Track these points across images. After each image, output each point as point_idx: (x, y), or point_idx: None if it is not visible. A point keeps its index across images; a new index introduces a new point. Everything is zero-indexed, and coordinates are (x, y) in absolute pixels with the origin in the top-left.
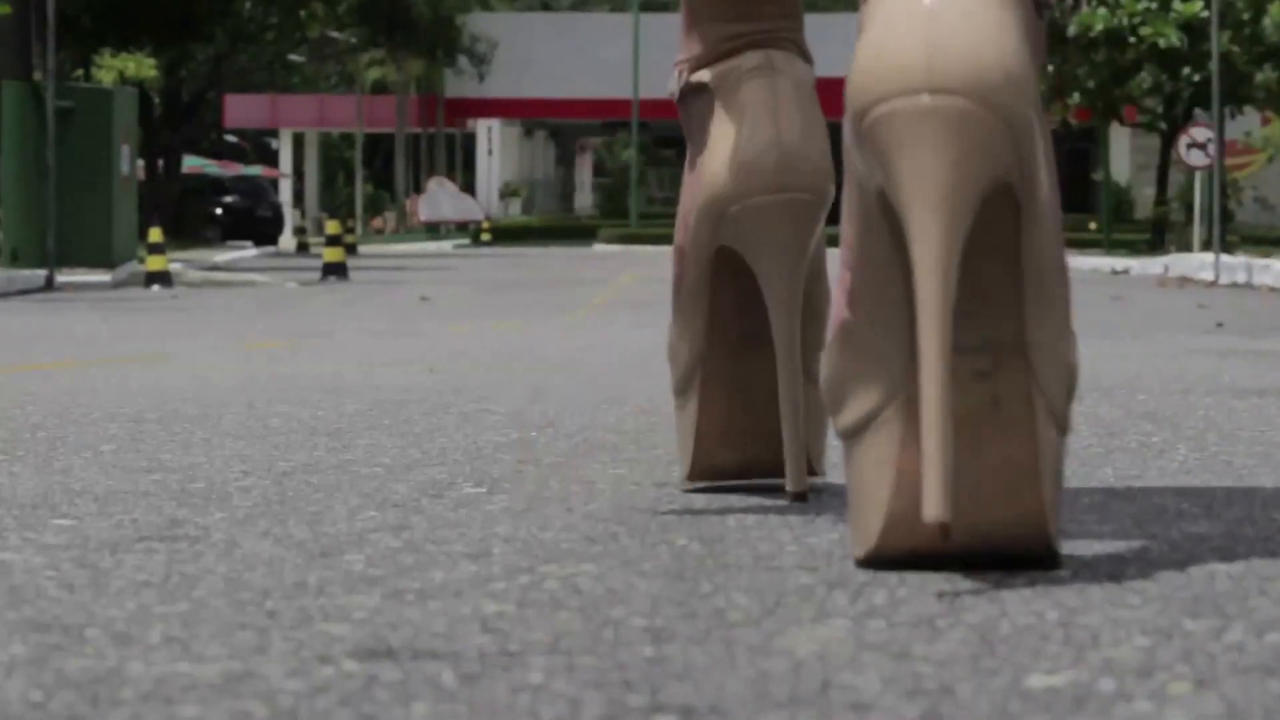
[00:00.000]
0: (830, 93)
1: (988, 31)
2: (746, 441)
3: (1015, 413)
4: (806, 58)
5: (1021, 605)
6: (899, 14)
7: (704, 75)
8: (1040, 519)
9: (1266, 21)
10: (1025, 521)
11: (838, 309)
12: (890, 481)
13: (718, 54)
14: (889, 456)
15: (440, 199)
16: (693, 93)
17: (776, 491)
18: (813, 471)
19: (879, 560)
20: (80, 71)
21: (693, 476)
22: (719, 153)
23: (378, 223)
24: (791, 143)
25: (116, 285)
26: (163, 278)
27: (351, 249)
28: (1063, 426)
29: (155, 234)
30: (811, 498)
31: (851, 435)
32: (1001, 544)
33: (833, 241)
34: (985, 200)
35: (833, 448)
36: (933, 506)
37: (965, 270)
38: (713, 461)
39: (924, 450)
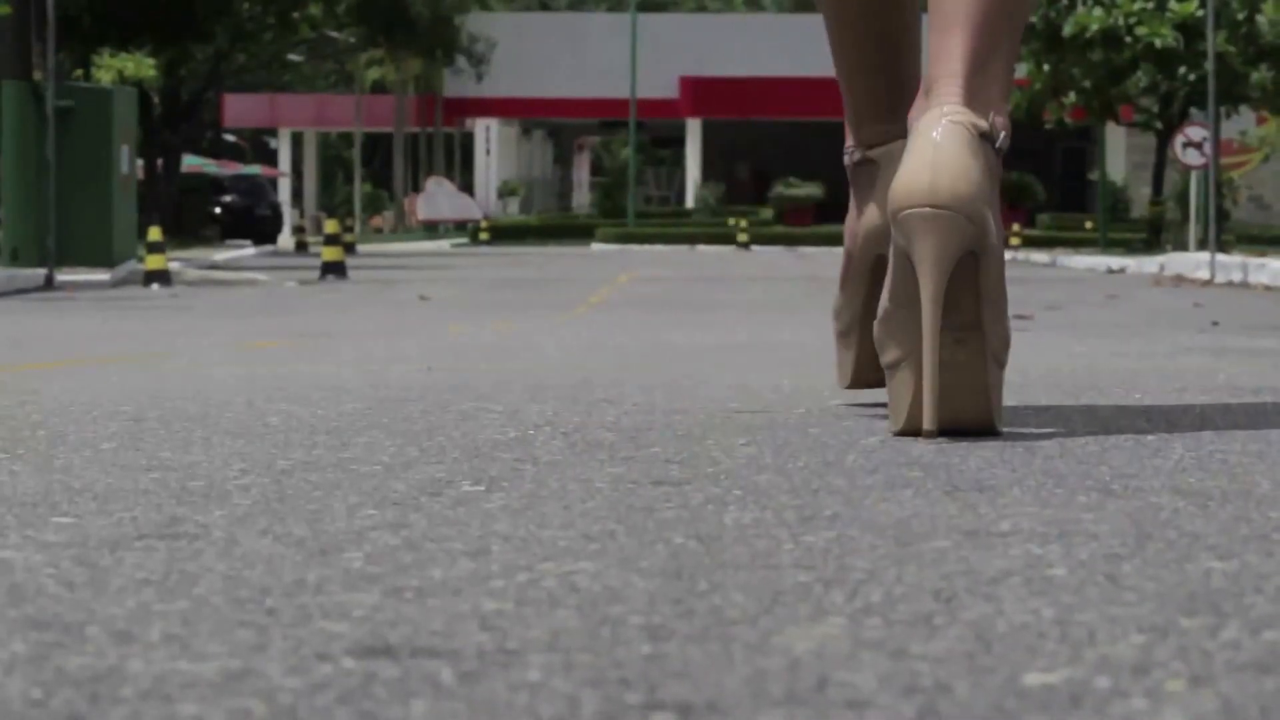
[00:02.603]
0: (824, 91)
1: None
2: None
3: (974, 358)
4: None
5: (1018, 603)
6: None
7: (872, 154)
8: (988, 414)
9: (1261, 21)
10: (978, 415)
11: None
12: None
13: (876, 143)
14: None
15: (439, 198)
16: (861, 164)
17: (774, 491)
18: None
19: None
20: (80, 71)
21: (852, 386)
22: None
23: (376, 222)
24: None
25: (116, 284)
26: (162, 276)
27: (350, 248)
28: (1000, 364)
29: (154, 233)
30: (807, 498)
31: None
32: (963, 424)
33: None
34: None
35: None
36: (929, 423)
37: (950, 294)
38: (864, 379)
39: (924, 386)
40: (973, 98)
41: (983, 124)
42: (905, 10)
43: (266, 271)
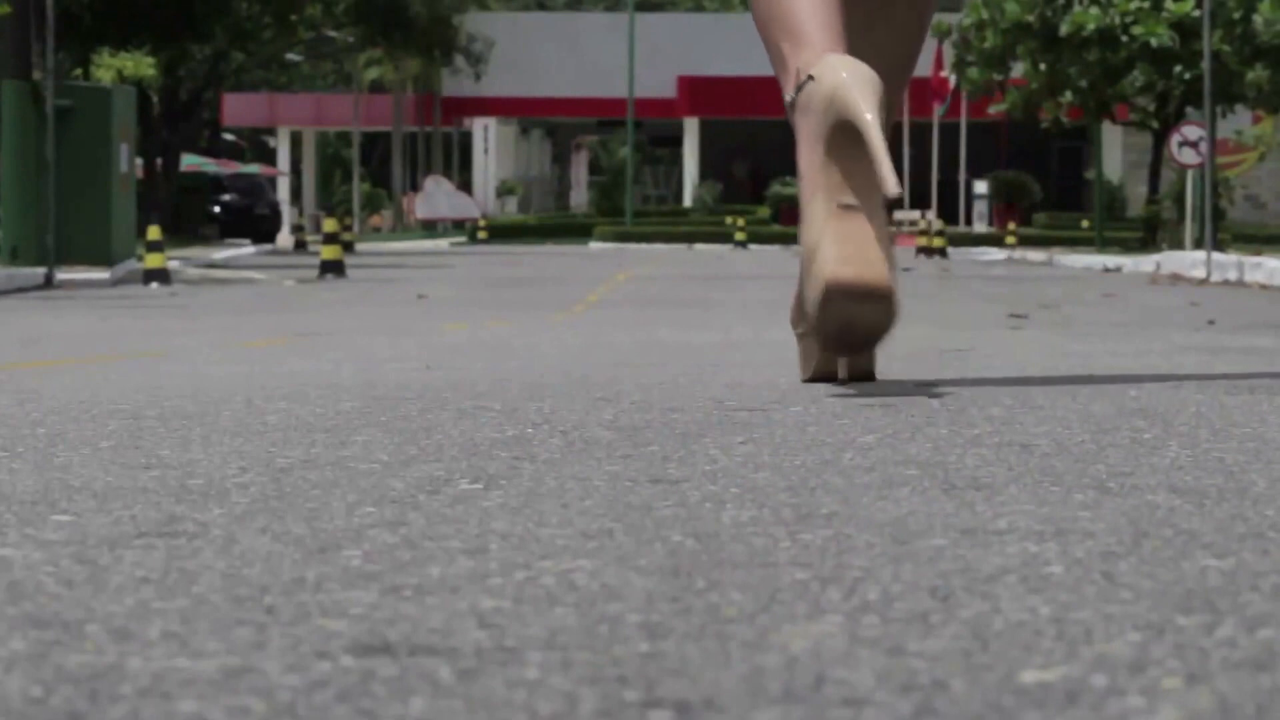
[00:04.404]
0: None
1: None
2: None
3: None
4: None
5: (1014, 601)
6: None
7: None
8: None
9: (1257, 20)
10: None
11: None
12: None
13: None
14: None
15: (437, 197)
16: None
17: (771, 489)
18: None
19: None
20: (79, 70)
21: (813, 379)
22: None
23: (375, 221)
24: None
25: (115, 283)
26: (161, 275)
27: (349, 247)
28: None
29: (154, 232)
30: (804, 496)
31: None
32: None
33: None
34: None
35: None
36: (889, 187)
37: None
38: (825, 369)
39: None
40: None
41: None
42: None
43: (265, 270)
